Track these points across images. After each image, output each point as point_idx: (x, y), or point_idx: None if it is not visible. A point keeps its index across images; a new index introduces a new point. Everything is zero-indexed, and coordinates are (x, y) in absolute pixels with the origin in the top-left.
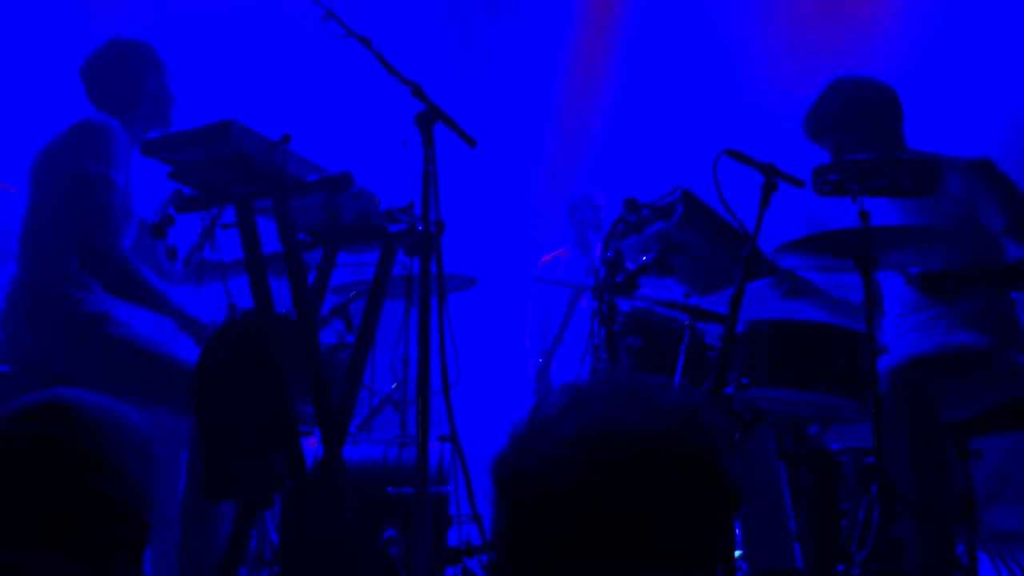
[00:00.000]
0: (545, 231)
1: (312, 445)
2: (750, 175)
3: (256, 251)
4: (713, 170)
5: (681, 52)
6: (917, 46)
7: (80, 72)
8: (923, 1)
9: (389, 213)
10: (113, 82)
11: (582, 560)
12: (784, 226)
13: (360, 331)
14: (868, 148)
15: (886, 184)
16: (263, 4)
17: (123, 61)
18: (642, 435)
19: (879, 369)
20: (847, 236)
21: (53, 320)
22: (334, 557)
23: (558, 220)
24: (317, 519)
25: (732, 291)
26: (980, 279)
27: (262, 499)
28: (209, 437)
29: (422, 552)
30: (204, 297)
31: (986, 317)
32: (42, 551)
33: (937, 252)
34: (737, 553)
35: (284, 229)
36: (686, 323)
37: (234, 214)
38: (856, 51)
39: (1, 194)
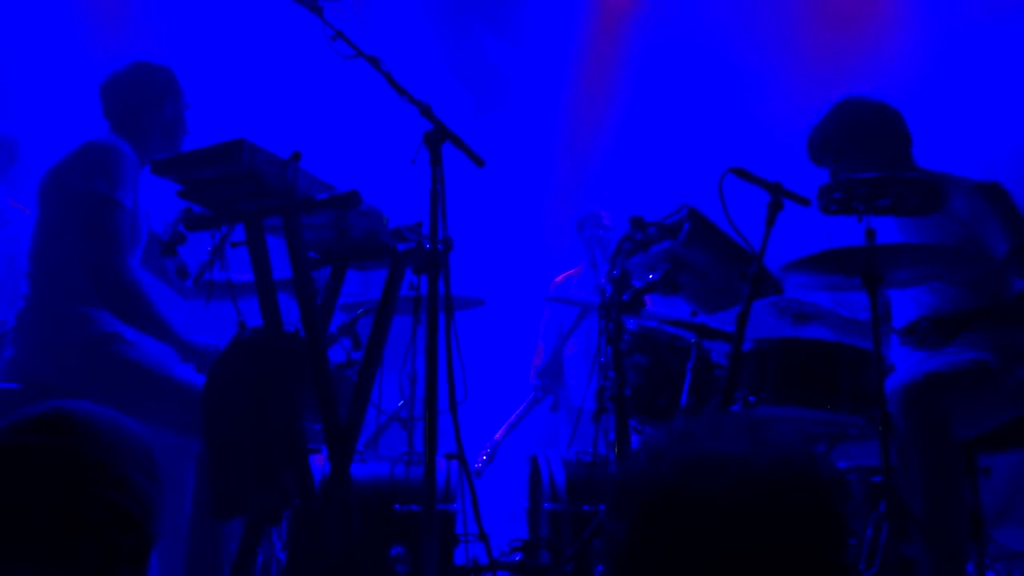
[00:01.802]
0: (553, 251)
1: (320, 462)
2: (756, 193)
3: (265, 269)
4: (719, 188)
5: (688, 70)
6: (924, 63)
7: (100, 90)
8: (930, 19)
9: (397, 231)
10: (131, 104)
11: None
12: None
13: (368, 349)
14: (874, 168)
15: (891, 203)
16: (273, 23)
17: (144, 84)
18: (761, 468)
19: (890, 386)
20: (853, 253)
21: (63, 338)
22: (341, 574)
23: (567, 240)
24: (324, 536)
25: (739, 309)
26: (976, 320)
27: (270, 516)
28: (218, 454)
29: (429, 570)
30: (213, 314)
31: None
32: (44, 562)
33: (943, 270)
34: None
35: (293, 247)
36: (692, 341)
37: (244, 232)
38: (862, 69)
39: (14, 213)
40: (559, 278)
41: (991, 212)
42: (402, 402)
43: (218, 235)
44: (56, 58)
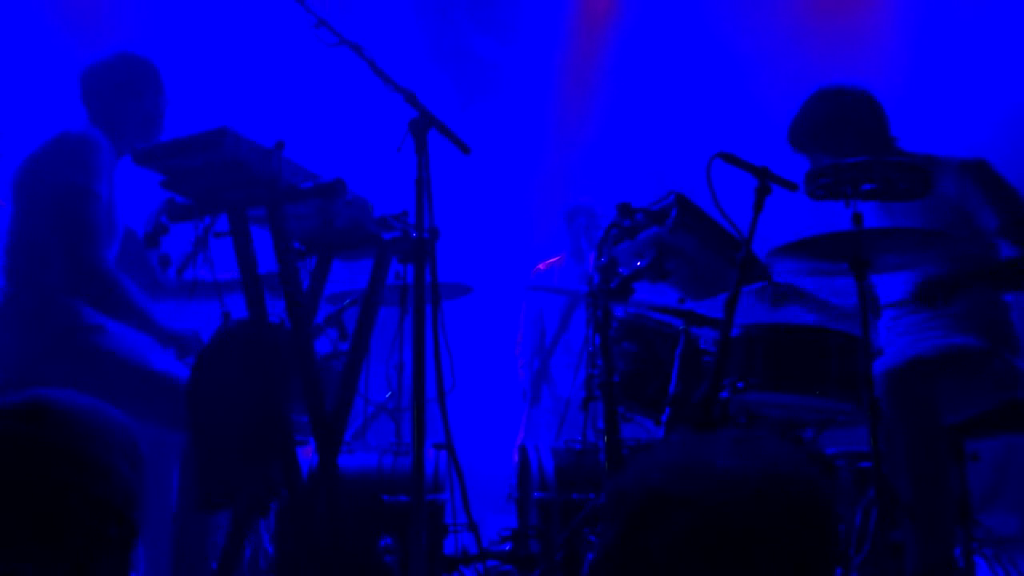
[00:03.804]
0: (540, 238)
1: (307, 454)
2: (744, 178)
3: (249, 259)
4: (707, 174)
5: (675, 57)
6: (911, 49)
7: (81, 77)
8: (916, 5)
9: (383, 220)
10: (111, 93)
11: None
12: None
13: (354, 339)
14: (854, 155)
15: (879, 187)
16: (255, 11)
17: (124, 74)
18: (749, 478)
19: (876, 371)
20: (840, 239)
21: (43, 331)
22: (330, 566)
23: (552, 227)
24: (312, 528)
25: (727, 295)
26: (970, 281)
27: (257, 508)
28: (204, 447)
29: (418, 560)
30: (198, 307)
31: (981, 320)
32: (26, 552)
33: (931, 254)
34: None
35: (278, 237)
36: (681, 328)
37: (227, 222)
38: (850, 54)
39: None
40: (541, 266)
41: (979, 189)
42: (390, 392)
43: (201, 226)
44: (34, 50)
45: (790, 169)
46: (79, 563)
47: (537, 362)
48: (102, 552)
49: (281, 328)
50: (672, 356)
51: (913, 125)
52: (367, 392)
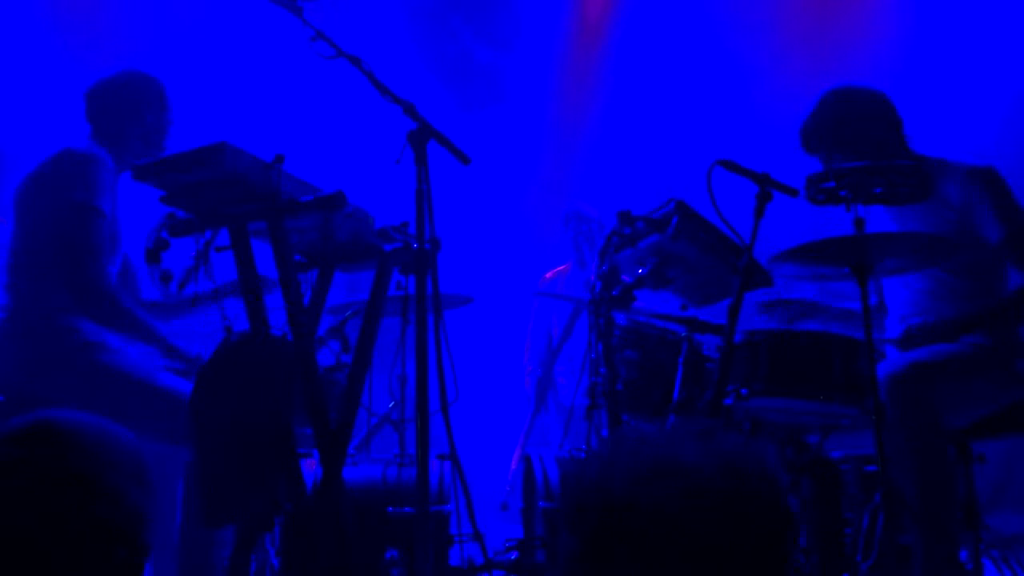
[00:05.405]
0: (542, 247)
1: (311, 467)
2: (745, 184)
3: (251, 274)
4: (707, 181)
5: (674, 63)
6: (912, 50)
7: (87, 93)
8: (917, 5)
9: (384, 232)
10: (114, 111)
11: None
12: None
13: (357, 351)
14: (868, 156)
15: (881, 192)
16: (253, 25)
17: (128, 90)
18: (707, 471)
19: (878, 375)
20: (840, 244)
21: (45, 348)
22: None
23: (554, 236)
24: (318, 541)
25: (729, 302)
26: (972, 324)
27: (262, 523)
28: (208, 462)
29: (424, 572)
30: (200, 321)
31: None
32: None
33: (934, 258)
34: None
35: (279, 250)
36: (684, 335)
37: (228, 236)
38: (850, 57)
39: None
40: (548, 274)
41: (984, 198)
42: (393, 404)
43: (202, 240)
44: (36, 66)
45: (791, 174)
46: None
47: (541, 370)
48: (113, 575)
49: (283, 341)
50: (675, 363)
51: (918, 126)
52: (370, 404)
